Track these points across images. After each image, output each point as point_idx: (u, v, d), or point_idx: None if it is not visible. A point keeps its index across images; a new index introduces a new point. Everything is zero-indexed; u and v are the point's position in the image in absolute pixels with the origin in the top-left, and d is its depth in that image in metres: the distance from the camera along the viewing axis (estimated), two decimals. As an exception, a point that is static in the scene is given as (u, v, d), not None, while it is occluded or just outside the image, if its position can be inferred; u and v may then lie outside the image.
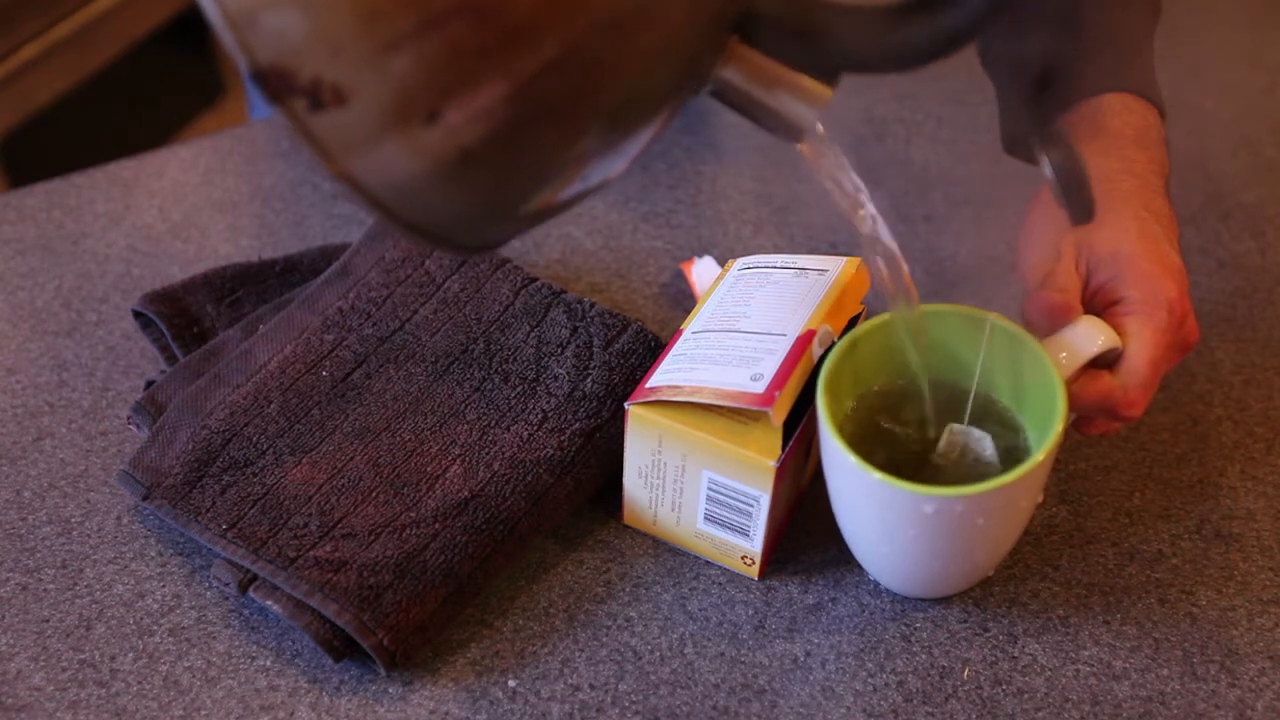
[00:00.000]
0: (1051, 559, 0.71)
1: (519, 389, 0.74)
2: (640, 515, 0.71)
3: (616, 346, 0.75)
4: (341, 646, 0.65)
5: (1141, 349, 0.65)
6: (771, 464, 0.64)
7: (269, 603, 0.66)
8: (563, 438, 0.71)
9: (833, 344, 0.66)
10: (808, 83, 0.55)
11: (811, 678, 0.66)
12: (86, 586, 0.69)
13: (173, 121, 1.98)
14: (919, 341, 0.65)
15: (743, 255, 0.76)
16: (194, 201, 0.91)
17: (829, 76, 0.55)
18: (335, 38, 0.46)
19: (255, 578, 0.66)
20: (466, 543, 0.67)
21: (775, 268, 0.73)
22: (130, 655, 0.67)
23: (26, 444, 0.76)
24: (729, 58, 0.54)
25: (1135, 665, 0.67)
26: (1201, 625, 0.69)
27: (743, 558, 0.69)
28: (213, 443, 0.71)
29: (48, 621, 0.68)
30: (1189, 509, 0.74)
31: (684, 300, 0.84)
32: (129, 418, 0.74)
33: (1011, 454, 0.66)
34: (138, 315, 0.80)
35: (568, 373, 0.74)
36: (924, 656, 0.67)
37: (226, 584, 0.67)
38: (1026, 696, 0.65)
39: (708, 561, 0.71)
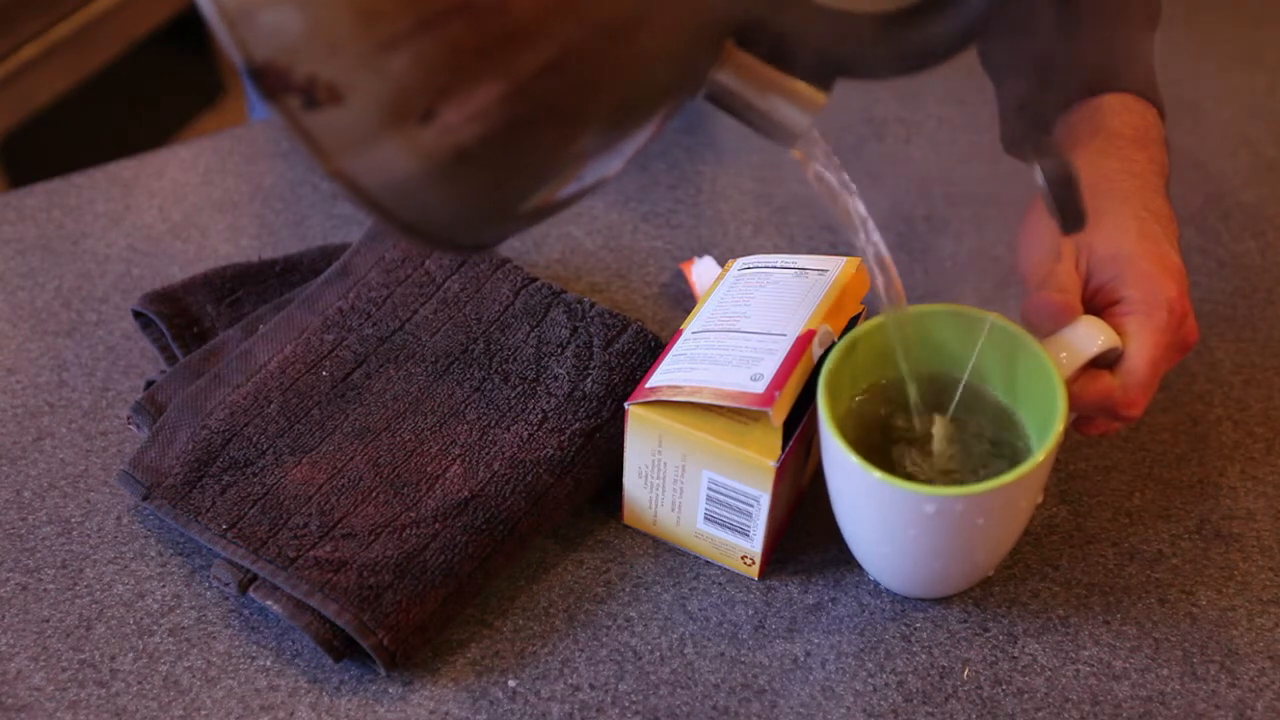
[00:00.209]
0: (1051, 559, 0.71)
1: (519, 389, 0.74)
2: (640, 515, 0.71)
3: (616, 346, 0.75)
4: (341, 646, 0.65)
5: (1141, 349, 0.65)
6: (771, 464, 0.64)
7: (269, 603, 0.66)
8: (563, 438, 0.71)
9: (833, 344, 0.66)
10: (802, 88, 0.55)
11: (811, 678, 0.66)
12: (86, 586, 0.69)
13: (173, 121, 1.98)
14: (907, 342, 0.65)
15: (743, 255, 0.76)
16: (194, 201, 0.91)
17: (824, 82, 0.55)
18: (332, 35, 0.46)
19: (255, 578, 0.66)
20: (466, 543, 0.67)
21: (775, 268, 0.73)
22: (130, 655, 0.67)
23: (26, 444, 0.76)
24: (725, 61, 0.54)
25: (1135, 665, 0.67)
26: (1201, 625, 0.69)
27: (743, 558, 0.69)
28: (213, 443, 0.71)
29: (48, 621, 0.68)
30: (1189, 509, 0.74)
31: (684, 300, 0.84)
32: (129, 418, 0.74)
33: (1012, 454, 0.66)
34: (138, 315, 0.80)
35: (568, 373, 0.74)
36: (924, 656, 0.67)
37: (226, 584, 0.67)
38: (1026, 696, 0.65)
39: (708, 561, 0.71)
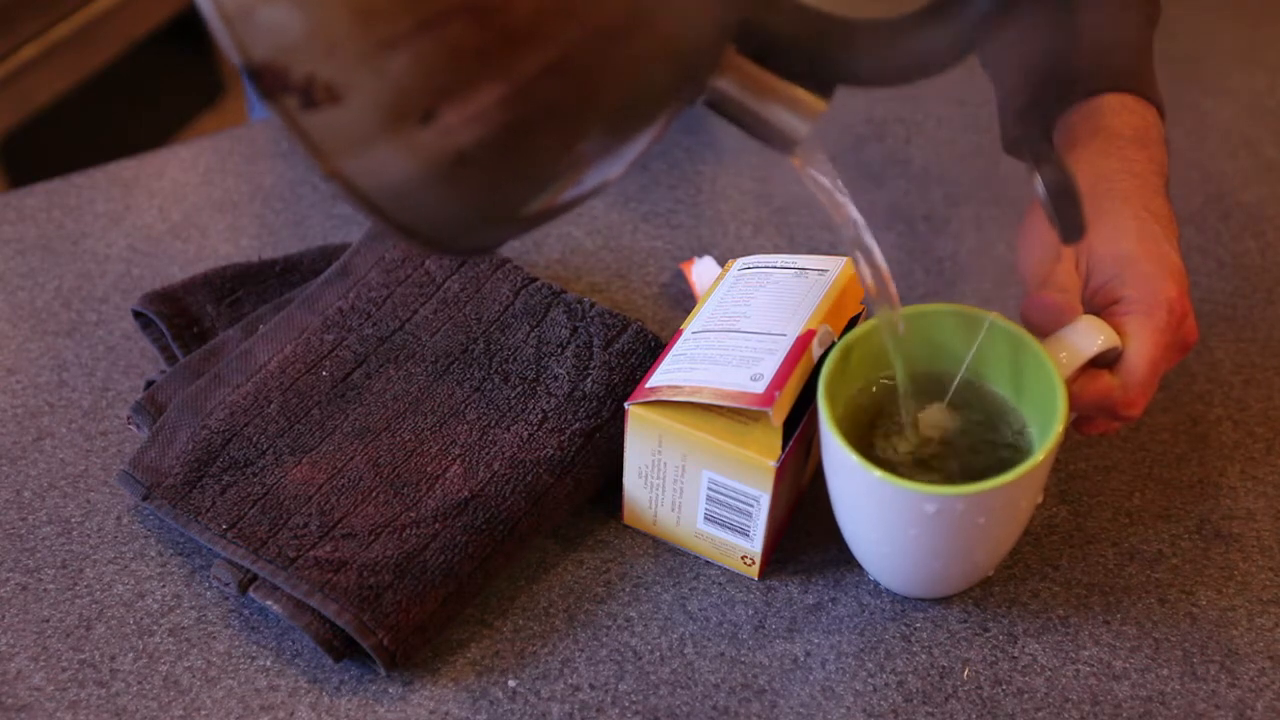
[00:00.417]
0: (1051, 559, 0.71)
1: (519, 389, 0.74)
2: (640, 515, 0.71)
3: (616, 346, 0.75)
4: (341, 646, 0.65)
5: (1141, 349, 0.65)
6: (771, 464, 0.64)
7: (269, 603, 0.66)
8: (563, 438, 0.71)
9: (833, 344, 0.66)
10: (802, 94, 0.55)
11: (811, 678, 0.66)
12: (86, 586, 0.69)
13: (173, 121, 1.98)
14: (901, 346, 0.65)
15: (743, 255, 0.76)
16: (194, 201, 0.91)
17: (824, 88, 0.55)
18: (331, 35, 0.45)
19: (255, 578, 0.66)
20: (466, 543, 0.67)
21: (775, 268, 0.73)
22: (130, 655, 0.67)
23: (26, 444, 0.76)
24: (725, 67, 0.54)
25: (1135, 665, 0.67)
26: (1201, 625, 0.69)
27: (743, 558, 0.69)
28: (213, 443, 0.71)
29: (48, 621, 0.68)
30: (1189, 509, 0.74)
31: (684, 300, 0.84)
32: (129, 418, 0.74)
33: (1012, 453, 0.66)
34: (138, 315, 0.80)
35: (568, 373, 0.74)
36: (924, 656, 0.67)
37: (226, 584, 0.67)
38: (1026, 696, 0.65)
39: (708, 561, 0.71)
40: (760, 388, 0.64)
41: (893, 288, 0.63)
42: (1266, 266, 0.87)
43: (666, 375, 0.67)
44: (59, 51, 1.71)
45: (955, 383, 0.67)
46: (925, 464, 0.66)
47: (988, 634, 0.68)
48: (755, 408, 0.64)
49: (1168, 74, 0.75)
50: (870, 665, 0.67)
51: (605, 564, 0.71)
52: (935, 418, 0.67)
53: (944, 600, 0.69)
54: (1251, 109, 1.00)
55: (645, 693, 0.65)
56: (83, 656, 0.67)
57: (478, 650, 0.67)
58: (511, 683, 0.66)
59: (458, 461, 0.70)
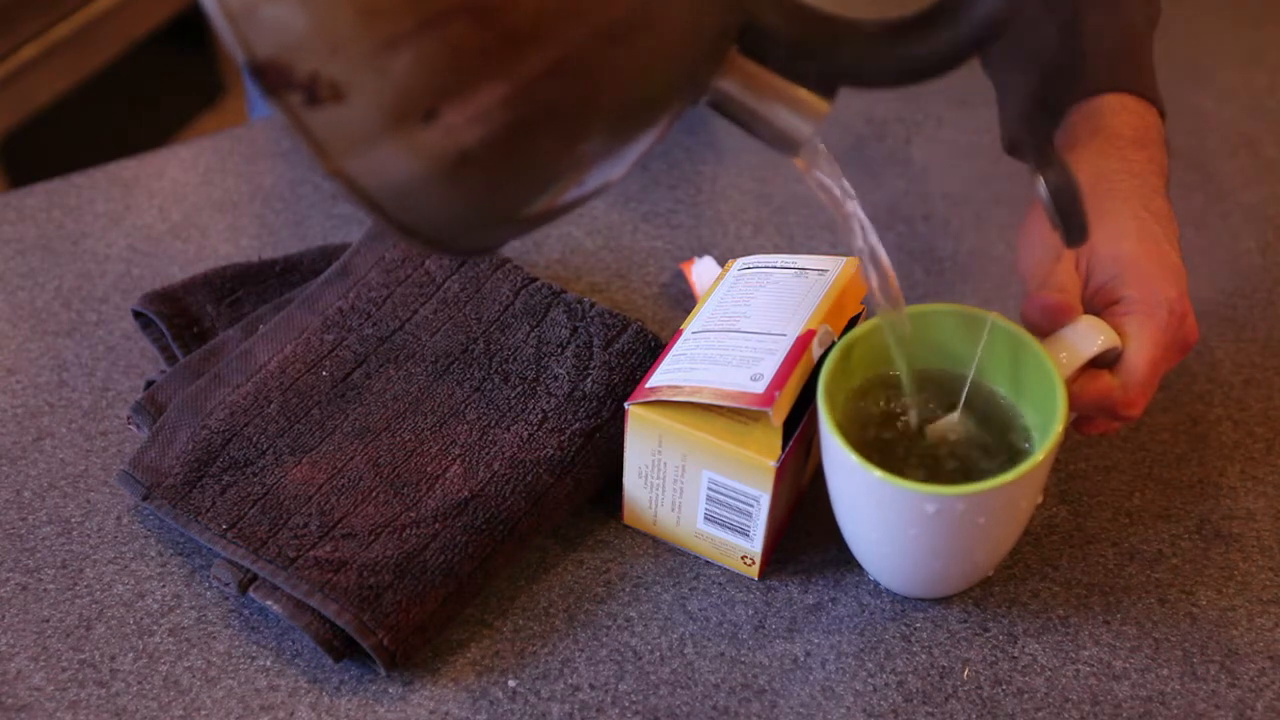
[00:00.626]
0: (1051, 559, 0.71)
1: (519, 389, 0.74)
2: (640, 515, 0.71)
3: (616, 346, 0.75)
4: (341, 646, 0.65)
5: (1141, 349, 0.65)
6: (771, 464, 0.64)
7: (269, 603, 0.66)
8: (563, 438, 0.71)
9: (833, 344, 0.66)
10: (805, 96, 0.55)
11: (811, 678, 0.66)
12: (86, 586, 0.69)
13: (173, 121, 1.98)
14: (904, 344, 0.65)
15: (743, 255, 0.76)
16: (194, 201, 0.91)
17: (827, 90, 0.55)
18: (335, 33, 0.45)
19: (255, 578, 0.66)
20: (466, 543, 0.67)
21: (775, 268, 0.73)
22: (130, 655, 0.67)
23: (26, 444, 0.76)
24: (728, 69, 0.54)
25: (1135, 665, 0.67)
26: (1201, 625, 0.69)
27: (743, 558, 0.69)
28: (213, 443, 0.71)
29: (48, 621, 0.68)
30: (1189, 509, 0.74)
31: (684, 300, 0.84)
32: (129, 418, 0.74)
33: (1013, 453, 0.66)
34: (138, 315, 0.80)
35: (568, 373, 0.74)
36: (924, 656, 0.67)
37: (226, 584, 0.67)
38: (1026, 696, 0.65)
39: (708, 561, 0.71)
40: (760, 388, 0.64)
41: (898, 289, 0.63)
42: (1266, 266, 0.87)
43: (666, 375, 0.67)
44: (59, 51, 1.71)
45: (964, 393, 0.67)
46: (927, 463, 0.66)
47: (988, 634, 0.68)
48: (755, 408, 0.64)
49: (1168, 74, 0.75)
50: (870, 665, 0.67)
51: (605, 564, 0.71)
52: (946, 426, 0.66)
53: (944, 600, 0.69)
54: (1251, 109, 1.00)
55: (645, 693, 0.65)
56: (83, 656, 0.67)
57: (478, 650, 0.67)
58: (511, 683, 0.66)
59: (458, 461, 0.70)
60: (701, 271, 0.85)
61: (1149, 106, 0.72)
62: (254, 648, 0.67)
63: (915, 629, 0.68)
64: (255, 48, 0.46)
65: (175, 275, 0.85)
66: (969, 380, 0.67)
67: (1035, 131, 0.64)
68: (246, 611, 0.68)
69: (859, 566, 0.70)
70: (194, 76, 2.00)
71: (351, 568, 0.66)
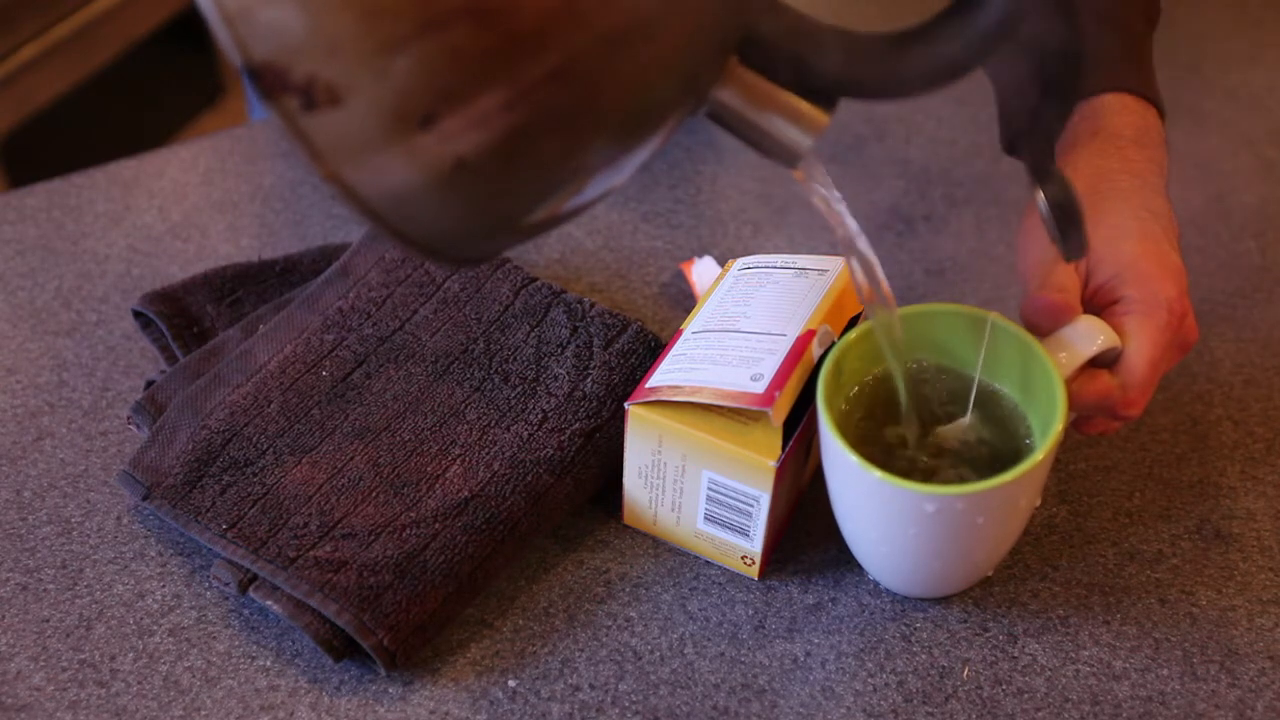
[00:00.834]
0: (1051, 559, 0.71)
1: (519, 389, 0.74)
2: (640, 515, 0.71)
3: (616, 346, 0.75)
4: (341, 646, 0.65)
5: (1140, 348, 0.65)
6: (771, 464, 0.64)
7: (269, 603, 0.66)
8: (563, 438, 0.71)
9: (832, 344, 0.66)
10: (805, 108, 0.55)
11: (811, 678, 0.66)
12: (86, 586, 0.69)
13: (173, 121, 1.98)
14: (898, 349, 0.65)
15: (743, 255, 0.76)
16: (194, 201, 0.91)
17: (827, 102, 0.55)
18: (333, 36, 0.45)
19: (255, 578, 0.66)
20: (466, 543, 0.67)
21: (775, 268, 0.73)
22: (130, 655, 0.67)
23: (26, 444, 0.76)
24: (728, 79, 0.54)
25: (1135, 665, 0.67)
26: (1201, 625, 0.69)
27: (743, 558, 0.69)
28: (213, 443, 0.71)
29: (48, 621, 0.68)
30: (1189, 509, 0.74)
31: (684, 300, 0.84)
32: (129, 418, 0.74)
33: (1013, 452, 0.66)
34: (138, 315, 0.80)
35: (568, 373, 0.74)
36: (924, 656, 0.67)
37: (226, 584, 0.67)
38: (1026, 696, 0.65)
39: (708, 561, 0.71)
40: (760, 388, 0.64)
41: (892, 300, 0.63)
42: (1266, 266, 0.87)
43: (666, 375, 0.67)
44: (59, 51, 1.71)
45: (972, 397, 0.67)
46: (927, 463, 0.66)
47: (988, 634, 0.68)
48: (755, 408, 0.64)
49: (1168, 74, 0.75)
50: (870, 665, 0.67)
51: (605, 564, 0.71)
52: (957, 431, 0.66)
53: (944, 600, 0.69)
54: (1251, 109, 1.00)
55: (645, 693, 0.65)
56: (83, 656, 0.67)
57: (478, 650, 0.67)
58: (511, 683, 0.66)
59: (458, 461, 0.70)
60: (701, 271, 0.85)
61: (1149, 106, 0.72)
62: (254, 648, 0.67)
63: (915, 629, 0.68)
64: (252, 50, 0.45)
65: (175, 275, 0.85)
66: (975, 383, 0.67)
67: (1035, 146, 0.64)
68: (246, 611, 0.68)
69: (859, 566, 0.70)
70: (194, 76, 2.00)
71: (351, 568, 0.66)
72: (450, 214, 0.50)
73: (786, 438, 0.65)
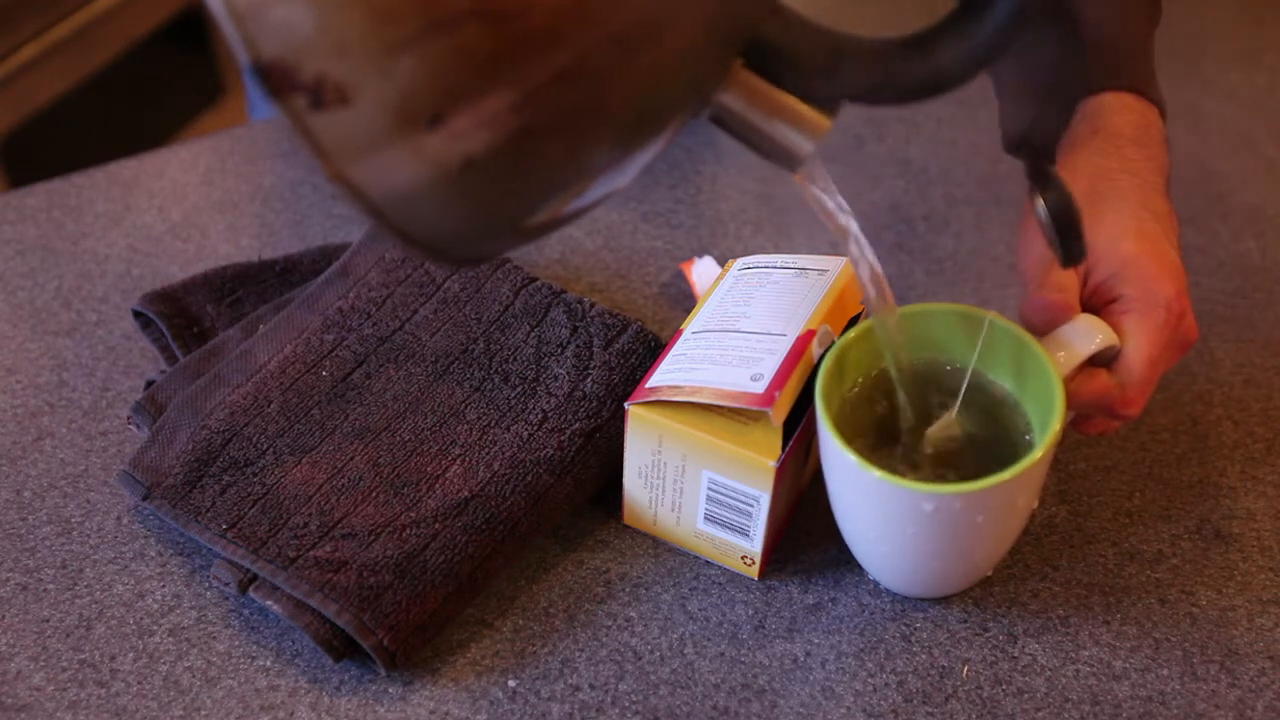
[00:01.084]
0: (1051, 559, 0.71)
1: (519, 389, 0.74)
2: (640, 515, 0.71)
3: (616, 346, 0.75)
4: (341, 646, 0.65)
5: (1139, 347, 0.65)
6: (771, 464, 0.64)
7: (269, 603, 0.66)
8: (563, 438, 0.71)
9: (832, 343, 0.66)
10: (807, 112, 0.55)
11: (811, 678, 0.66)
12: (86, 586, 0.69)
13: (173, 121, 1.98)
14: (898, 352, 0.65)
15: (743, 255, 0.76)
16: (194, 201, 0.91)
17: (829, 106, 0.55)
18: (342, 35, 0.45)
19: (255, 578, 0.66)
20: (466, 543, 0.67)
21: (775, 268, 0.73)
22: (130, 655, 0.67)
23: (26, 444, 0.76)
24: (731, 82, 0.54)
25: (1135, 665, 0.67)
26: (1201, 625, 0.69)
27: (743, 558, 0.69)
28: (213, 443, 0.71)
29: (48, 621, 0.68)
30: (1189, 509, 0.74)
31: (684, 300, 0.84)
32: (129, 418, 0.75)
33: (1013, 451, 0.66)
34: (138, 315, 0.80)
35: (568, 373, 0.74)
36: (924, 656, 0.67)
37: (226, 584, 0.67)
38: (1026, 696, 0.65)
39: (708, 561, 0.71)
40: (760, 388, 0.64)
41: (894, 303, 0.63)
42: (1266, 266, 0.87)
43: (666, 375, 0.67)
44: (59, 51, 1.71)
45: (961, 393, 0.67)
46: (927, 462, 0.66)
47: (988, 634, 0.68)
48: (755, 408, 0.64)
49: (1168, 74, 0.75)
50: (870, 665, 0.67)
51: (605, 564, 0.71)
52: (944, 426, 0.66)
53: (944, 600, 0.69)
54: (1251, 109, 1.00)
55: (645, 693, 0.65)
56: (83, 656, 0.67)
57: (478, 650, 0.67)
58: (511, 683, 0.66)
59: (458, 461, 0.71)
60: (701, 271, 0.85)
61: (1149, 105, 0.72)
62: (254, 648, 0.67)
63: (915, 629, 0.68)
64: (261, 48, 0.45)
65: (175, 275, 0.85)
66: (966, 379, 0.67)
67: (1035, 151, 0.64)
68: (246, 611, 0.68)
69: (859, 566, 0.70)
70: (194, 76, 2.00)
71: (351, 568, 0.66)
72: (455, 214, 0.50)
73: (786, 438, 0.65)
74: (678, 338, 0.70)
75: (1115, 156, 0.69)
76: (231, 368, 0.75)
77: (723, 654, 0.67)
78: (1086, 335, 0.65)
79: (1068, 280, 0.66)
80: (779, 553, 0.71)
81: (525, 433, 0.71)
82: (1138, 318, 0.65)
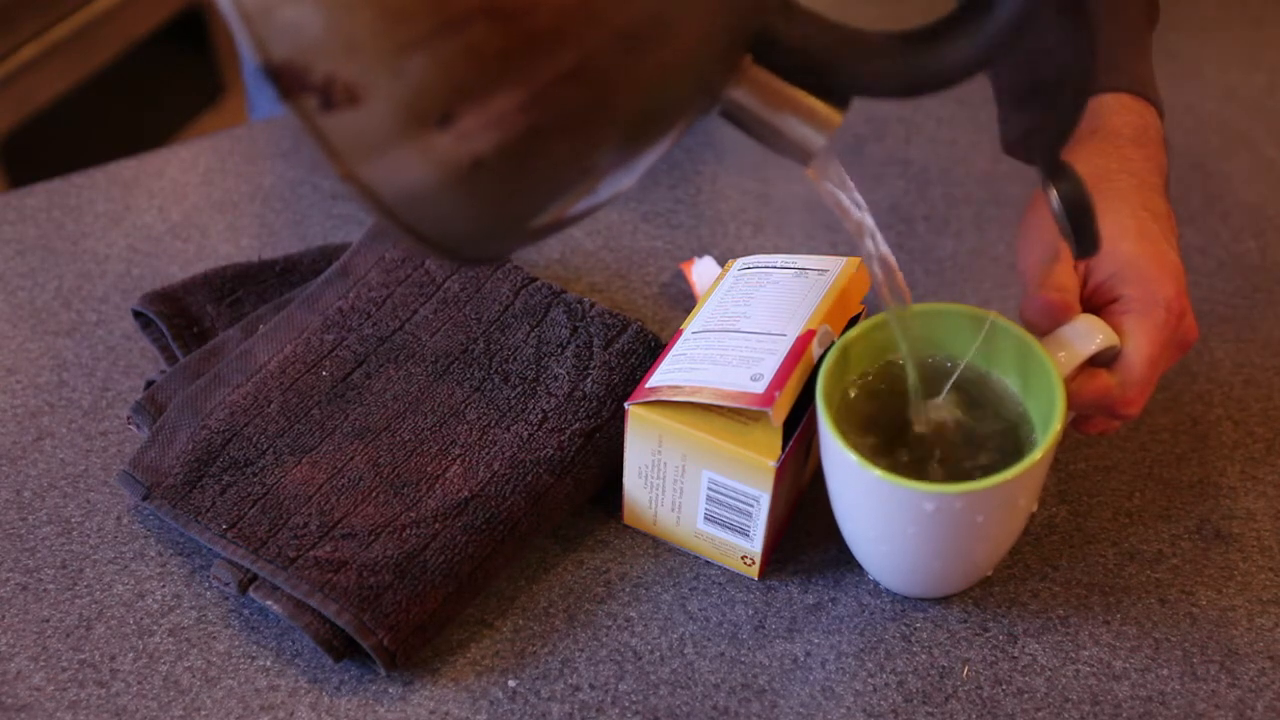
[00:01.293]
0: (1051, 559, 0.71)
1: (519, 389, 0.74)
2: (640, 515, 0.71)
3: (616, 346, 0.75)
4: (341, 646, 0.65)
5: (1139, 347, 0.65)
6: (771, 464, 0.64)
7: (269, 603, 0.66)
8: (563, 438, 0.71)
9: (832, 344, 0.66)
10: (818, 106, 0.55)
11: (811, 678, 0.66)
12: (86, 586, 0.69)
13: (173, 121, 1.98)
14: (913, 342, 0.65)
15: (743, 255, 0.76)
16: (194, 201, 0.91)
17: (840, 100, 0.55)
18: (352, 35, 0.45)
19: (255, 578, 0.66)
20: (466, 543, 0.67)
21: (775, 268, 0.73)
22: (130, 655, 0.67)
23: (26, 444, 0.76)
24: (741, 78, 0.54)
25: (1135, 665, 0.67)
26: (1201, 625, 0.69)
27: (743, 558, 0.69)
28: (213, 443, 0.71)
29: (48, 621, 0.68)
30: (1189, 509, 0.74)
31: (684, 300, 0.84)
32: (129, 418, 0.75)
33: (1015, 451, 0.66)
34: (138, 315, 0.80)
35: (568, 373, 0.74)
36: (924, 656, 0.67)
37: (226, 584, 0.67)
38: (1026, 696, 0.66)
39: (708, 561, 0.71)
40: (760, 388, 0.64)
41: (909, 297, 0.63)
42: (1266, 266, 0.87)
43: (666, 375, 0.67)
44: (59, 51, 1.71)
45: (953, 379, 0.67)
46: (927, 461, 0.66)
47: (988, 634, 0.68)
48: (755, 408, 0.64)
49: (1168, 74, 0.75)
50: (870, 665, 0.67)
51: (605, 564, 0.71)
52: (931, 409, 0.66)
53: (944, 600, 0.69)
54: (1251, 109, 1.00)
55: (645, 693, 0.65)
56: (83, 656, 0.67)
57: (478, 650, 0.67)
58: (511, 683, 0.66)
59: (458, 461, 0.71)
60: (701, 271, 0.85)
61: (1148, 106, 0.72)
62: (254, 648, 0.67)
63: (915, 629, 0.68)
64: (270, 49, 0.45)
65: (175, 275, 0.85)
66: (960, 367, 0.67)
67: (1046, 143, 0.64)
68: (246, 611, 0.68)
69: (859, 566, 0.70)
70: (194, 76, 2.00)
71: (351, 568, 0.66)
72: (465, 214, 0.51)
73: (786, 438, 0.65)
74: (678, 338, 0.70)
75: (1114, 157, 0.69)
76: (231, 368, 0.75)
77: (723, 654, 0.67)
78: (1087, 335, 0.65)
79: (1068, 280, 0.66)
80: (779, 553, 0.71)
81: (525, 433, 0.71)
82: (1138, 318, 0.65)
